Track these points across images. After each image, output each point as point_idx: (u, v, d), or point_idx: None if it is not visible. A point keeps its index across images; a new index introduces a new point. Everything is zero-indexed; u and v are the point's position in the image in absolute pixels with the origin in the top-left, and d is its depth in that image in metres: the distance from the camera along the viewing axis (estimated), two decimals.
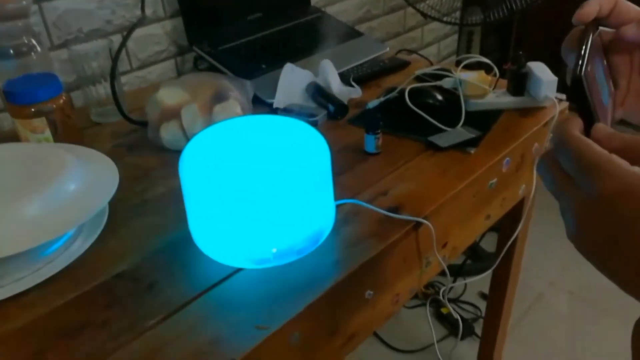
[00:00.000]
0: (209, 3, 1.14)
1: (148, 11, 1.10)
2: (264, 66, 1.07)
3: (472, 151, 0.80)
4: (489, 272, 1.13)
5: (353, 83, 1.02)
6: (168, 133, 0.82)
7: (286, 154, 0.57)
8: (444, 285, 1.62)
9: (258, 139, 0.60)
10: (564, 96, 0.91)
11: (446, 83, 0.93)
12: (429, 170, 0.77)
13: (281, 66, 1.01)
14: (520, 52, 0.91)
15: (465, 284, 1.67)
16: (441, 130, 0.85)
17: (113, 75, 0.88)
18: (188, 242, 0.61)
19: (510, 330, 1.36)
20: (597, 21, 0.41)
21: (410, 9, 1.57)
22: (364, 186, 0.73)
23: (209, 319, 0.53)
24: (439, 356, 1.44)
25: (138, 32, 1.10)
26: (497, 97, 0.92)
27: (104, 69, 0.92)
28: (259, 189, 0.53)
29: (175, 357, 0.49)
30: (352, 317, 0.62)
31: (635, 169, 0.31)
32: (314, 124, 0.89)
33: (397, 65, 1.13)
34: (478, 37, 1.68)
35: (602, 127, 0.35)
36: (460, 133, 0.84)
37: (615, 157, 0.32)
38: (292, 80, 0.99)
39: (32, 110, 0.75)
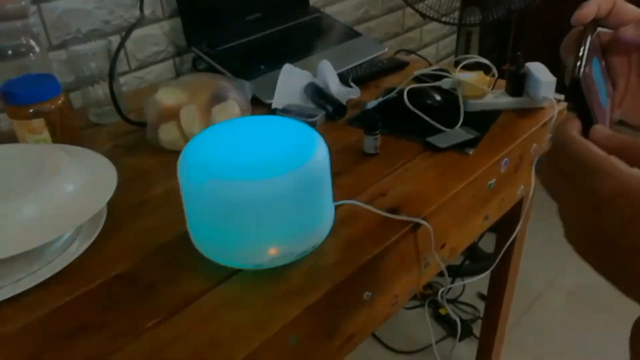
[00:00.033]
0: (208, 3, 1.14)
1: (147, 11, 1.10)
2: (262, 67, 1.07)
3: (471, 152, 0.80)
4: (488, 273, 1.13)
5: (352, 83, 1.02)
6: (167, 134, 0.82)
7: (285, 155, 0.57)
8: (442, 286, 1.62)
9: (257, 139, 0.60)
10: (562, 97, 0.91)
11: (445, 83, 0.93)
12: (427, 171, 0.77)
13: (280, 67, 1.01)
14: (519, 53, 0.91)
15: (464, 285, 1.67)
16: (440, 131, 0.85)
17: (111, 76, 0.88)
18: (187, 243, 0.61)
19: (509, 331, 1.36)
20: (596, 22, 0.41)
21: (409, 10, 1.57)
22: (362, 187, 0.73)
23: (207, 320, 0.53)
24: (437, 357, 1.43)
25: (137, 33, 1.10)
26: (495, 97, 0.92)
27: (102, 69, 0.92)
28: (258, 190, 0.53)
29: (174, 359, 0.49)
30: (350, 318, 0.62)
31: (634, 170, 0.31)
32: (313, 125, 0.89)
33: (395, 66, 1.13)
34: (477, 37, 1.68)
35: (601, 129, 0.35)
36: (458, 134, 0.84)
37: (613, 159, 0.32)
38: (291, 81, 0.99)
39: (31, 111, 0.75)
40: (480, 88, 0.90)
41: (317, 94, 0.96)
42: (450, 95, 0.92)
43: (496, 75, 0.93)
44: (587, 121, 0.35)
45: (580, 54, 0.36)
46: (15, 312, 0.55)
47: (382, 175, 0.76)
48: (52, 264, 0.60)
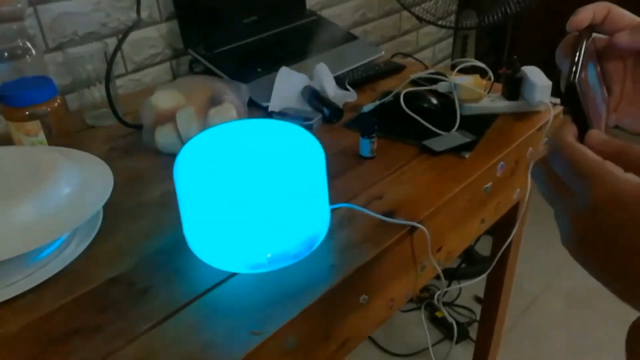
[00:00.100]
0: (205, 6, 1.14)
1: (143, 14, 1.10)
2: (259, 69, 1.07)
3: (467, 155, 0.80)
4: (484, 276, 1.13)
5: (348, 87, 1.03)
6: (163, 136, 0.82)
7: (281, 158, 0.57)
8: (438, 289, 1.63)
9: (253, 142, 0.60)
10: (558, 100, 0.91)
11: (441, 87, 0.94)
12: (424, 175, 0.77)
13: (276, 69, 1.01)
14: (515, 57, 0.91)
15: (460, 288, 1.67)
16: (436, 135, 0.85)
17: (108, 78, 0.88)
18: (182, 246, 0.61)
19: (505, 334, 1.36)
20: (591, 28, 0.42)
21: (405, 13, 1.57)
22: (359, 190, 0.73)
23: (203, 324, 0.53)
24: None
25: (133, 35, 1.10)
26: (491, 101, 0.92)
27: (99, 72, 0.92)
28: (254, 193, 0.53)
29: None
30: (346, 321, 0.62)
31: (629, 175, 0.31)
32: (309, 128, 0.89)
33: (392, 69, 1.13)
34: (473, 40, 1.68)
35: (596, 134, 0.35)
36: (455, 137, 0.84)
37: (609, 164, 0.32)
38: (288, 84, 0.99)
39: (27, 113, 0.75)
40: (477, 92, 0.91)
41: (314, 97, 0.96)
42: (446, 99, 0.93)
43: (492, 79, 0.94)
44: (583, 126, 0.35)
45: (576, 59, 0.36)
46: (11, 315, 0.54)
47: (378, 178, 0.76)
48: (48, 266, 0.59)
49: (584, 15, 0.41)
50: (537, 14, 1.48)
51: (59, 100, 0.78)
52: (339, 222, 0.67)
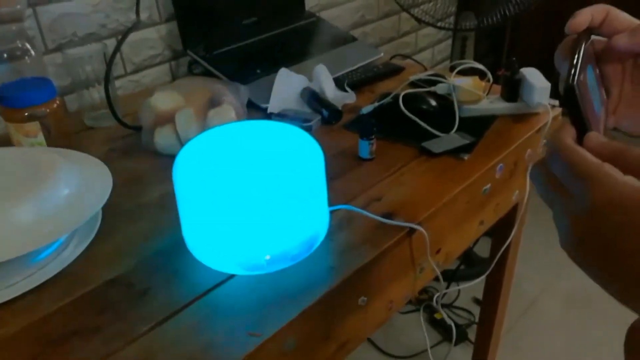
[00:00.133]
0: (204, 7, 1.14)
1: (143, 15, 1.10)
2: (258, 71, 1.07)
3: (466, 157, 0.80)
4: (483, 278, 1.13)
5: (347, 88, 1.03)
6: (162, 138, 0.82)
7: (280, 160, 0.57)
8: (437, 290, 1.62)
9: (252, 144, 0.60)
10: (557, 102, 0.92)
11: (440, 89, 0.94)
12: (422, 176, 0.77)
13: (276, 71, 1.01)
14: (514, 58, 0.92)
15: (459, 290, 1.67)
16: (435, 136, 0.85)
17: (107, 80, 0.88)
18: (181, 248, 0.61)
19: (504, 335, 1.36)
20: (590, 30, 0.42)
21: (404, 14, 1.57)
22: (358, 192, 0.73)
23: (202, 325, 0.53)
24: None
25: (133, 36, 1.10)
26: (490, 103, 0.93)
27: (98, 73, 0.92)
28: (253, 194, 0.53)
29: None
30: (345, 323, 0.62)
31: (628, 177, 0.31)
32: (308, 129, 0.89)
33: (391, 71, 1.13)
34: (472, 42, 1.68)
35: (595, 136, 0.35)
36: (454, 139, 0.84)
37: (607, 166, 0.32)
38: (287, 85, 0.99)
39: (26, 114, 0.75)
40: (476, 93, 0.91)
41: (313, 98, 0.96)
42: (445, 101, 0.93)
43: (491, 81, 0.94)
44: (582, 129, 0.35)
45: (575, 61, 0.36)
46: (10, 316, 0.54)
47: (377, 180, 0.76)
48: (47, 268, 0.59)
49: (583, 18, 0.41)
50: (536, 16, 1.48)
51: (58, 102, 0.78)
52: (338, 223, 0.67)
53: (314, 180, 0.58)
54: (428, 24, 1.39)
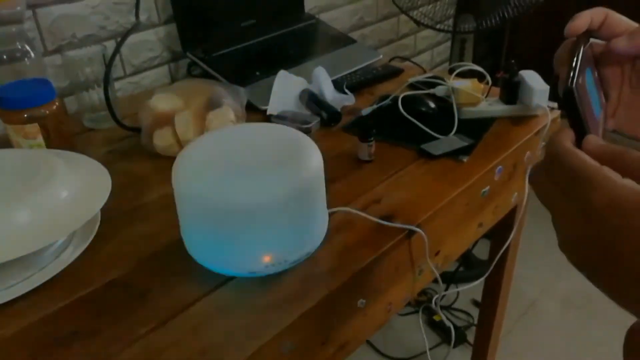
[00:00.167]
0: (203, 9, 1.15)
1: (142, 17, 1.10)
2: (257, 73, 1.07)
3: (465, 159, 0.80)
4: (482, 280, 1.13)
5: (346, 90, 1.03)
6: (161, 139, 0.82)
7: (279, 162, 0.57)
8: (436, 292, 1.63)
9: (251, 147, 0.60)
10: (555, 104, 0.92)
11: (439, 91, 0.94)
12: (421, 178, 0.77)
13: (275, 73, 1.01)
14: (513, 61, 0.92)
15: (458, 292, 1.67)
16: (434, 138, 0.85)
17: (107, 81, 0.88)
18: (181, 249, 0.61)
19: (503, 337, 1.36)
20: (589, 33, 0.42)
21: (403, 17, 1.58)
22: (357, 194, 0.73)
23: (201, 327, 0.53)
24: None
25: (132, 38, 1.10)
26: (489, 105, 0.93)
27: (97, 74, 0.92)
28: (252, 197, 0.53)
29: None
30: (344, 325, 0.62)
31: (626, 181, 0.31)
32: (308, 131, 0.89)
33: (390, 73, 1.13)
34: (471, 44, 1.69)
35: (594, 139, 0.35)
36: (452, 141, 0.84)
37: (606, 169, 0.32)
38: (286, 87, 0.99)
39: (25, 115, 0.75)
40: (475, 96, 0.91)
41: (312, 100, 0.96)
42: (444, 103, 0.93)
43: (490, 83, 0.94)
44: (580, 131, 0.35)
45: (574, 64, 0.37)
46: (9, 318, 0.54)
47: (376, 182, 0.76)
48: (46, 269, 0.59)
49: (582, 21, 0.41)
50: (535, 18, 1.49)
51: (57, 103, 0.78)
52: (337, 225, 0.67)
53: (313, 182, 0.58)
54: (427, 26, 1.39)
